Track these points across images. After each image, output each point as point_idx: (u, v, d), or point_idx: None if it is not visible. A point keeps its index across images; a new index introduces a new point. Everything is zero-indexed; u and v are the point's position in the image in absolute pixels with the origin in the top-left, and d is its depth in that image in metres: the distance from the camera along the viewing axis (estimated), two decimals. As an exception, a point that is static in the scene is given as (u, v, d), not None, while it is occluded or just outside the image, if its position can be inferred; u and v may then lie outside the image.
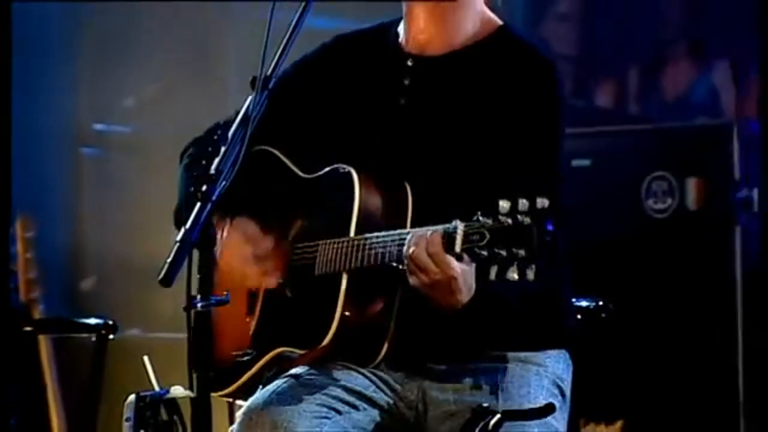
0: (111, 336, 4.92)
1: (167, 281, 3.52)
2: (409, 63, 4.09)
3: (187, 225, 3.56)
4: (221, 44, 7.60)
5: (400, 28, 4.15)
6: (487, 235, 3.50)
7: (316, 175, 4.06)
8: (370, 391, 3.95)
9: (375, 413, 3.95)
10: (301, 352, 3.97)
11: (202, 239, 3.57)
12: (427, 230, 3.65)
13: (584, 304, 4.51)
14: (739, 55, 8.03)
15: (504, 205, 3.49)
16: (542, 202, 3.45)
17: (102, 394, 4.88)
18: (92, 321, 5.02)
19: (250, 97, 3.74)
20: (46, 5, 6.93)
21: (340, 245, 3.91)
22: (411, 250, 3.66)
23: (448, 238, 3.58)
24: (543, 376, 3.97)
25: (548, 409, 3.85)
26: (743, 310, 5.99)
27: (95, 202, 6.31)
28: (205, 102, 7.09)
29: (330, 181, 4.01)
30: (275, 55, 3.79)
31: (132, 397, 3.95)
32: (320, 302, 3.91)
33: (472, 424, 3.77)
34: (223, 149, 3.66)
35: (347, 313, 3.86)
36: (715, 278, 6.05)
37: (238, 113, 4.14)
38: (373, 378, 3.97)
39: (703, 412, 6.02)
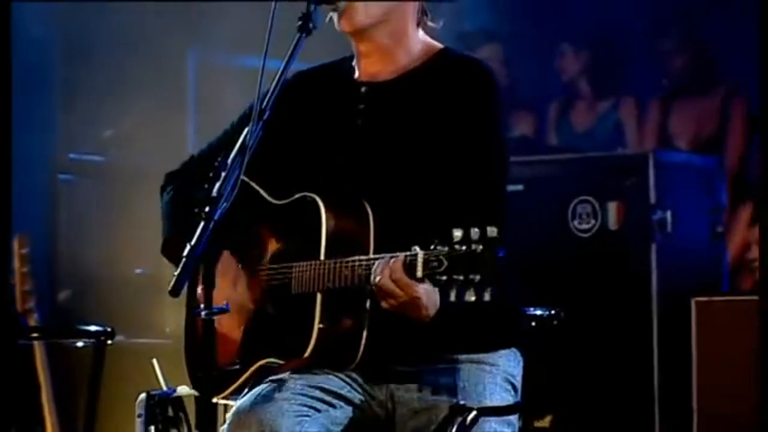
0: (109, 342, 4.91)
1: (176, 292, 3.60)
2: (363, 89, 4.08)
3: (192, 242, 3.60)
4: (182, 86, 7.66)
5: (353, 64, 4.13)
6: (445, 262, 3.54)
7: (286, 201, 4.03)
8: (345, 391, 3.98)
9: (350, 410, 3.98)
10: (284, 362, 3.96)
11: (205, 254, 3.62)
12: (390, 258, 3.68)
13: (538, 312, 4.57)
14: (642, 92, 8.20)
15: (457, 234, 3.54)
16: (492, 231, 3.52)
17: (100, 396, 4.90)
18: (92, 328, 5.02)
19: (247, 128, 3.74)
20: (30, 41, 6.92)
21: (313, 268, 3.89)
22: (377, 279, 3.68)
23: (410, 265, 3.62)
24: (496, 375, 3.99)
25: (515, 408, 3.96)
26: (658, 317, 6.02)
27: (70, 222, 6.30)
28: (169, 137, 7.17)
29: (298, 208, 3.99)
30: (269, 90, 3.79)
31: (143, 395, 4.00)
32: (299, 318, 3.90)
33: (450, 421, 3.82)
34: (223, 174, 3.69)
35: (324, 327, 3.87)
36: (633, 290, 6.08)
37: (212, 146, 4.20)
38: (348, 380, 3.98)
39: (621, 410, 6.06)
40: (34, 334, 5.06)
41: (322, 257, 3.89)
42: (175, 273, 3.63)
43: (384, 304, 3.73)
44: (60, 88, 7.11)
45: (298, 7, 3.93)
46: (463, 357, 4.00)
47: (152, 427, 3.96)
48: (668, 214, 6.07)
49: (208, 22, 7.23)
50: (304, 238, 3.95)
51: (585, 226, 6.16)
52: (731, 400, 5.68)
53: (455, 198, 3.88)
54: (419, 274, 3.61)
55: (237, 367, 4.03)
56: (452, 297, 3.55)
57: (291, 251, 4.01)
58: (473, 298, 3.52)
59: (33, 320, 5.22)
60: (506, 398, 4.01)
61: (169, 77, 7.33)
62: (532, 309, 4.49)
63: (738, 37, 7.68)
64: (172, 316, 6.21)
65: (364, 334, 3.90)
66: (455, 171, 3.90)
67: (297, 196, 4.00)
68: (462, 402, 3.88)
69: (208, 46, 7.61)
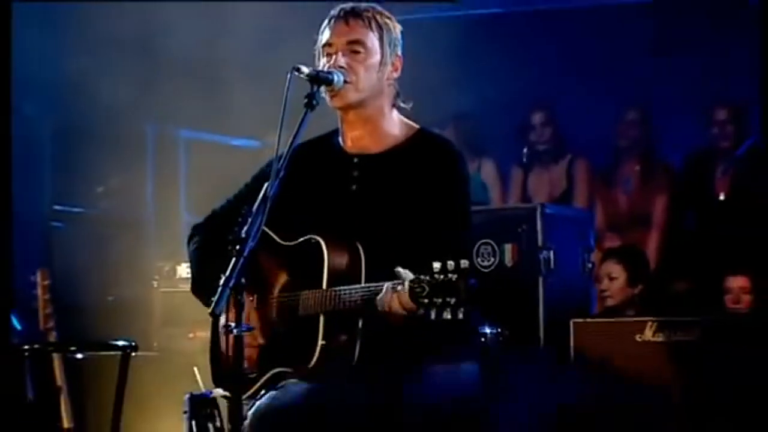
0: (133, 354, 4.92)
1: (216, 314, 3.68)
2: (355, 160, 4.14)
3: (227, 273, 3.68)
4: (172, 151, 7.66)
5: (338, 138, 4.18)
6: (427, 288, 3.65)
7: (294, 243, 4.08)
8: (341, 393, 3.99)
9: (345, 406, 4.00)
10: (293, 371, 4.02)
11: (237, 284, 3.70)
12: (387, 287, 3.79)
13: (488, 330, 4.64)
14: (503, 156, 8.30)
15: (436, 265, 3.65)
16: (464, 263, 3.64)
17: (124, 402, 4.89)
18: (120, 342, 5.02)
19: (267, 183, 3.82)
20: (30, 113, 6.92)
21: (317, 295, 3.96)
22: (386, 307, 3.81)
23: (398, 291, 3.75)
24: (460, 379, 4.07)
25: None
26: (544, 334, 6.05)
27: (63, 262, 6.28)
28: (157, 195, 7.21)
29: (305, 248, 4.03)
30: (284, 154, 3.88)
31: (187, 396, 4.05)
32: (305, 335, 3.97)
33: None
34: (249, 219, 3.76)
35: (325, 343, 3.94)
36: (525, 314, 6.05)
37: (230, 201, 4.32)
38: (342, 383, 3.99)
39: None
40: (72, 348, 5.02)
41: (324, 287, 3.96)
42: (215, 299, 3.69)
43: (388, 319, 3.83)
44: (55, 155, 7.10)
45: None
46: (435, 363, 4.04)
47: (194, 421, 4.00)
48: (552, 253, 6.14)
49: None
50: (309, 272, 4.00)
51: (486, 263, 6.17)
52: (604, 401, 5.65)
53: (431, 243, 3.93)
54: (407, 294, 3.71)
55: (255, 374, 4.07)
56: (432, 316, 3.65)
57: (298, 282, 4.06)
58: (449, 317, 3.62)
59: (52, 337, 5.18)
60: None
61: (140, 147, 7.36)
62: (481, 327, 4.56)
63: (583, 113, 7.93)
64: (155, 334, 6.19)
65: (357, 347, 3.96)
66: (432, 225, 3.98)
67: (303, 238, 4.06)
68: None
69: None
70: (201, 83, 7.32)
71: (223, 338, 3.93)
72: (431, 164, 4.07)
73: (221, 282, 3.68)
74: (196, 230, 4.34)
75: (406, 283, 3.72)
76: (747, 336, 5.63)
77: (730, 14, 8.14)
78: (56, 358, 5.11)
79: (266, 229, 3.99)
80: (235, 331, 3.71)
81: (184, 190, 7.83)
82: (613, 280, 6.59)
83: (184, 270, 6.69)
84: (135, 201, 7.34)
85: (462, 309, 3.63)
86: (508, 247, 6.14)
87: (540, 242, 6.11)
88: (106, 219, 7.11)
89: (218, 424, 4.06)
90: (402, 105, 4.19)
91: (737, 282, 6.79)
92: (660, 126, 7.70)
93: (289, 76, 3.97)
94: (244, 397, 3.99)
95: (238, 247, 3.72)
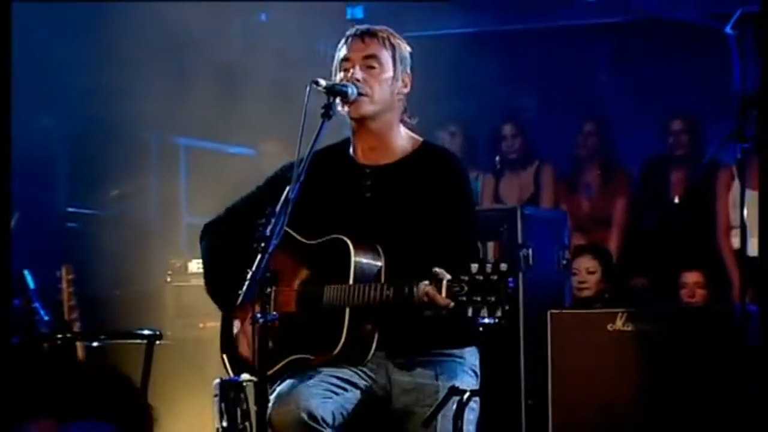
0: (158, 342, 4.92)
1: (244, 304, 3.71)
2: (367, 171, 4.17)
3: (253, 268, 3.70)
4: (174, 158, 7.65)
5: (349, 148, 4.20)
6: (465, 288, 3.71)
7: (319, 241, 4.09)
8: (355, 378, 4.06)
9: (358, 393, 4.07)
10: (314, 357, 4.04)
11: (262, 278, 3.73)
12: (428, 283, 3.80)
13: (487, 321, 4.66)
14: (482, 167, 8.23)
15: (474, 266, 3.71)
16: (504, 266, 3.70)
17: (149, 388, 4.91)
18: (145, 332, 5.00)
19: (288, 186, 3.84)
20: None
21: (343, 289, 3.99)
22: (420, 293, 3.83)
23: (438, 286, 3.77)
24: (463, 365, 4.12)
25: (478, 391, 4.05)
26: (524, 325, 6.06)
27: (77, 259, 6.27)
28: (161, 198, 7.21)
29: (330, 246, 4.06)
30: (303, 160, 3.88)
31: (217, 381, 4.05)
32: (329, 326, 3.99)
33: (449, 399, 3.95)
34: (273, 220, 3.79)
35: (348, 334, 3.97)
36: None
37: (243, 201, 4.34)
38: (355, 369, 4.07)
39: (494, 392, 6.00)
40: (102, 336, 5.02)
41: (350, 282, 3.99)
42: (241, 292, 3.71)
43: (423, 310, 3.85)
44: (69, 162, 7.10)
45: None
46: (440, 351, 4.11)
47: (223, 404, 4.01)
48: (530, 251, 6.13)
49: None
50: (333, 268, 4.03)
51: (471, 261, 6.17)
52: (578, 387, 5.70)
53: (440, 245, 3.99)
54: (443, 294, 3.76)
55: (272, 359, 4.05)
56: (470, 313, 3.70)
57: (320, 277, 4.08)
58: (486, 314, 3.69)
59: (76, 326, 5.19)
60: (471, 382, 4.12)
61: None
62: (481, 318, 4.57)
63: (548, 124, 7.99)
64: (169, 324, 6.17)
65: (375, 339, 4.02)
66: (441, 230, 4.02)
67: (328, 237, 4.07)
68: (457, 385, 4.00)
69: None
70: (202, 95, 7.32)
71: (248, 328, 3.93)
72: (437, 174, 4.11)
73: (248, 276, 3.69)
74: (208, 228, 4.36)
75: (444, 282, 3.75)
76: (707, 325, 5.69)
77: (679, 35, 8.21)
78: (80, 346, 5.11)
79: (287, 229, 3.99)
80: (261, 320, 3.72)
81: (185, 193, 7.81)
82: (592, 273, 6.64)
83: (194, 266, 6.70)
84: (141, 203, 7.34)
85: (501, 307, 3.69)
86: (491, 244, 6.10)
87: (520, 240, 6.11)
88: (115, 220, 7.10)
89: (244, 407, 4.06)
90: (408, 120, 4.23)
91: (692, 277, 6.85)
92: (618, 135, 7.76)
93: (308, 88, 3.99)
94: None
95: (263, 244, 3.73)
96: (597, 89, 8.41)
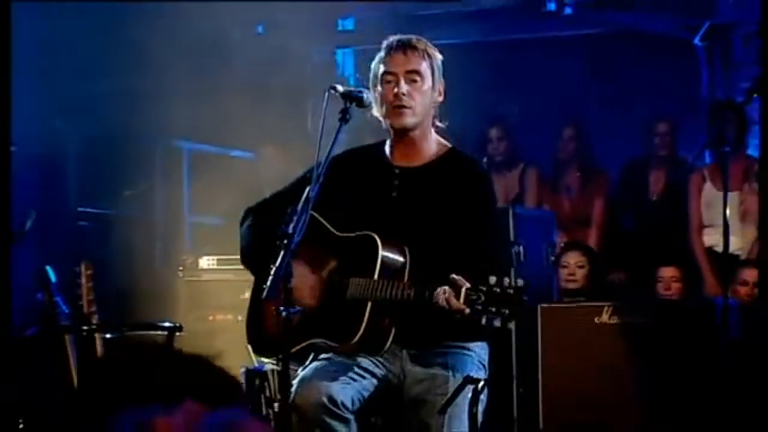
0: (178, 333, 4.85)
1: (269, 299, 3.73)
2: (397, 171, 4.17)
3: (277, 264, 3.71)
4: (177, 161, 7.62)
5: (386, 149, 4.20)
6: (483, 297, 3.71)
7: (350, 235, 4.09)
8: (372, 367, 4.07)
9: (375, 381, 4.07)
10: (334, 344, 4.04)
11: (286, 273, 3.73)
12: (447, 288, 3.78)
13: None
14: None
15: (492, 279, 3.71)
16: (520, 282, 3.72)
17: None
18: (165, 324, 4.96)
19: (308, 187, 3.85)
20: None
21: (368, 283, 3.99)
22: (439, 298, 3.81)
23: (456, 292, 3.77)
24: (473, 357, 4.11)
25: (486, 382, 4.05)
26: (516, 323, 5.60)
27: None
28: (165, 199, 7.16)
29: (360, 241, 4.05)
30: (322, 163, 3.89)
31: (242, 369, 4.02)
32: (351, 316, 3.99)
33: (463, 388, 3.95)
34: (295, 218, 3.80)
35: (368, 325, 3.97)
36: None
37: (279, 193, 4.29)
38: (372, 359, 4.07)
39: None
40: (124, 328, 4.97)
41: (375, 277, 3.98)
42: (266, 286, 3.72)
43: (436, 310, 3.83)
44: (80, 164, 7.04)
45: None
46: (452, 344, 4.11)
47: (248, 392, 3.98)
48: (522, 248, 6.10)
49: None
50: (360, 262, 4.02)
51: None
52: (567, 376, 5.70)
53: (463, 247, 3.98)
54: (461, 300, 3.75)
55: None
56: (483, 321, 3.71)
57: (347, 269, 4.08)
58: (498, 324, 3.69)
59: (94, 319, 5.13)
60: (480, 373, 4.11)
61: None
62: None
63: (532, 129, 7.97)
64: (181, 317, 6.13)
65: (392, 331, 4.02)
66: (464, 232, 3.99)
67: (359, 233, 4.07)
68: (472, 375, 3.99)
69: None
70: (204, 101, 7.28)
71: (272, 319, 3.94)
72: (462, 178, 4.10)
73: (272, 272, 3.70)
74: (249, 212, 4.35)
75: (463, 290, 3.75)
76: (688, 318, 5.69)
77: (651, 46, 8.24)
78: (98, 337, 5.07)
79: (322, 220, 4.09)
80: (284, 313, 3.72)
81: (188, 194, 7.77)
82: (581, 267, 6.63)
83: (205, 262, 6.69)
84: (147, 204, 7.28)
85: (512, 320, 3.70)
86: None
87: (512, 238, 6.07)
88: (123, 219, 7.04)
89: (268, 394, 4.03)
90: (439, 124, 4.22)
91: (668, 272, 6.83)
92: (595, 140, 7.76)
93: (326, 94, 4.00)
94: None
95: (285, 241, 3.74)
96: (575, 96, 8.40)
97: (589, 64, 8.54)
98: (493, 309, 3.69)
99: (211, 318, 6.44)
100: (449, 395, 3.96)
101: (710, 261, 6.88)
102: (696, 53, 8.26)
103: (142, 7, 6.94)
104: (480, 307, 3.70)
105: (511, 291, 3.69)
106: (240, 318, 5.31)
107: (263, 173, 7.34)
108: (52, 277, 5.12)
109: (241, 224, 4.33)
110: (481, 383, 3.99)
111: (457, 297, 3.76)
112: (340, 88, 4.02)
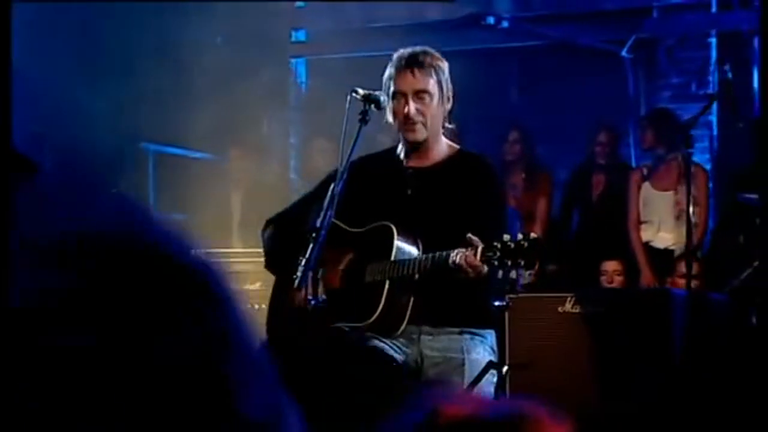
0: None
1: (299, 288, 3.82)
2: (410, 171, 4.20)
3: (307, 256, 3.79)
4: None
5: (398, 152, 4.23)
6: (498, 253, 3.76)
7: (364, 228, 4.13)
8: (391, 351, 4.09)
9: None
10: (355, 325, 4.07)
11: (315, 263, 3.83)
12: (459, 250, 3.82)
13: (497, 303, 4.72)
14: None
15: (506, 236, 3.79)
16: (534, 235, 3.78)
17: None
18: None
19: (333, 184, 3.94)
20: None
21: (385, 264, 4.04)
22: (457, 258, 3.82)
23: (473, 250, 3.80)
24: (485, 343, 4.16)
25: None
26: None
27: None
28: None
29: (375, 231, 4.09)
30: (344, 162, 4.00)
31: None
32: (368, 297, 4.03)
33: (487, 371, 4.00)
34: (322, 214, 3.89)
35: (387, 303, 4.01)
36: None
37: (300, 200, 4.38)
38: (390, 342, 4.09)
39: None
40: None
41: (392, 259, 4.03)
42: (296, 277, 3.82)
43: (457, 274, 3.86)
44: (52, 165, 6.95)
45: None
46: (465, 330, 4.15)
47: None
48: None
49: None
50: (377, 249, 4.07)
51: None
52: (533, 362, 5.56)
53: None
54: (478, 257, 3.79)
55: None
56: (500, 275, 3.81)
57: (365, 258, 4.13)
58: (515, 277, 3.74)
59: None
60: (493, 358, 4.16)
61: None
62: (497, 302, 4.65)
63: (482, 133, 8.10)
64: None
65: (408, 311, 4.04)
66: (474, 226, 3.97)
67: (374, 225, 4.12)
68: (482, 360, 4.06)
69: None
70: (169, 105, 7.27)
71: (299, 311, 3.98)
72: (472, 176, 4.15)
73: (302, 263, 3.78)
74: (269, 223, 4.36)
75: (479, 248, 3.77)
76: (643, 306, 5.89)
77: (585, 56, 8.47)
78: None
79: (337, 221, 4.07)
80: (312, 303, 3.82)
81: (153, 195, 7.75)
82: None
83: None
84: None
85: (530, 269, 3.81)
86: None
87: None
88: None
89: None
90: (448, 126, 4.25)
91: (611, 266, 7.01)
92: (538, 141, 7.93)
93: (348, 97, 4.07)
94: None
95: (314, 234, 3.81)
96: (514, 103, 8.58)
97: (525, 74, 8.74)
98: (509, 262, 3.73)
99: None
100: (467, 378, 4.01)
101: (646, 255, 7.10)
102: (623, 64, 8.52)
103: (108, 10, 6.91)
104: (496, 262, 3.74)
105: (525, 244, 3.73)
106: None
107: (231, 174, 7.44)
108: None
109: (262, 235, 4.35)
110: (505, 368, 4.06)
111: (474, 255, 3.79)
112: (360, 91, 4.06)
